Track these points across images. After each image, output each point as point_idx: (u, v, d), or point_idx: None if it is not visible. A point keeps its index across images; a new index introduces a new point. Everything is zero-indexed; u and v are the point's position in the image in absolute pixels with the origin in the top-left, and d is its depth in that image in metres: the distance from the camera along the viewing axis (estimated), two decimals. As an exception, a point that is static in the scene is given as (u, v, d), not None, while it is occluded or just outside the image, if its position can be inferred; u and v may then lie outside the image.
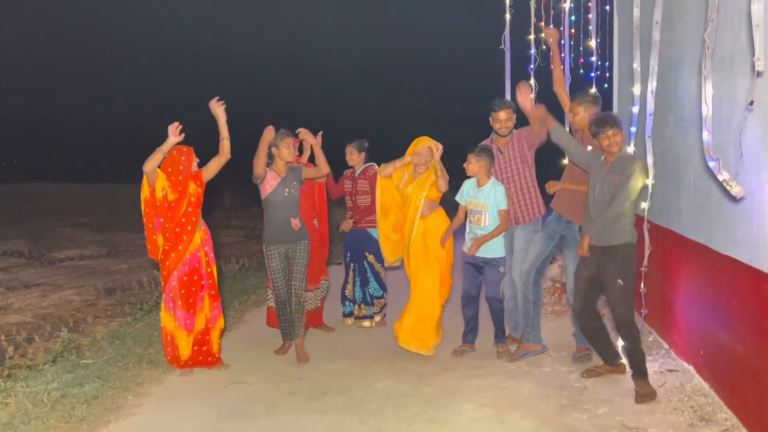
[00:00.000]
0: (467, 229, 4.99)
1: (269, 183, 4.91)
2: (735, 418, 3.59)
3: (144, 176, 4.58)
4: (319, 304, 5.75)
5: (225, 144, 4.73)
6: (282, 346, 5.14)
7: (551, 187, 4.80)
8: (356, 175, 5.82)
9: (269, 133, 4.85)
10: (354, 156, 5.81)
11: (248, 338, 5.57)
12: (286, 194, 4.94)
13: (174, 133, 4.55)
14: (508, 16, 6.01)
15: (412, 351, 4.97)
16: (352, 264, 5.86)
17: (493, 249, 4.87)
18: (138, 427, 3.82)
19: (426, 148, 5.10)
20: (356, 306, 5.88)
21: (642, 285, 4.33)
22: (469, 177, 4.96)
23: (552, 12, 6.49)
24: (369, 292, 5.84)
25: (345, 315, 5.96)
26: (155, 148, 4.53)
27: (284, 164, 4.97)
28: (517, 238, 4.97)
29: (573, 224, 4.71)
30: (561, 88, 5.04)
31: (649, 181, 4.18)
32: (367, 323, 5.86)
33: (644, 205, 4.29)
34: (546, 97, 5.22)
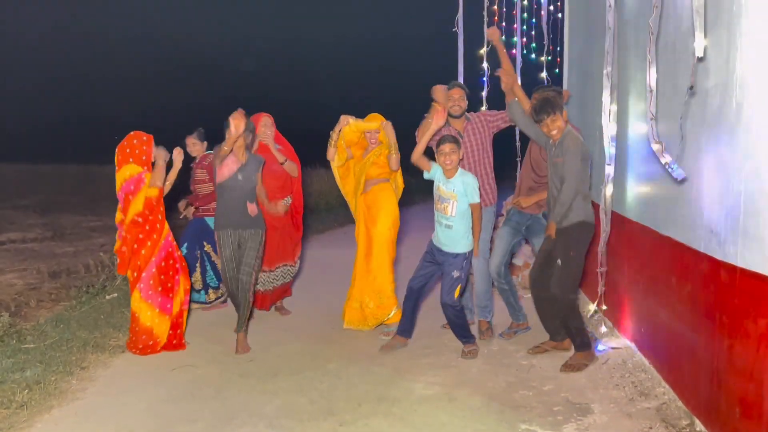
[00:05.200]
0: (435, 218, 4.64)
1: (227, 167, 4.69)
2: (672, 392, 3.74)
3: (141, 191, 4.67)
4: (277, 285, 5.61)
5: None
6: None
7: (524, 201, 4.79)
8: (193, 164, 5.82)
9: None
10: (197, 146, 5.78)
11: (197, 321, 5.49)
12: (240, 179, 4.72)
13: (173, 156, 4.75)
14: (461, -1, 6.03)
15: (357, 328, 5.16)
16: (198, 252, 5.79)
17: (459, 243, 4.54)
18: (82, 412, 3.73)
19: (372, 132, 5.13)
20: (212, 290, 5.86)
21: (600, 265, 4.46)
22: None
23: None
24: (207, 282, 5.84)
25: (194, 301, 5.73)
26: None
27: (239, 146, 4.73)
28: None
29: (536, 215, 4.79)
30: (515, 86, 4.79)
31: (607, 164, 4.31)
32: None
33: (609, 191, 4.38)
34: (497, 81, 5.23)
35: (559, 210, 4.19)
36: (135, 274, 4.68)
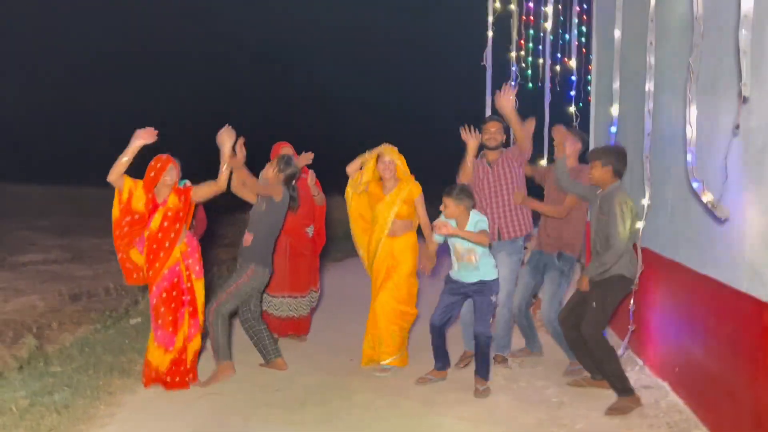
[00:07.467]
0: (455, 267, 4.61)
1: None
2: (710, 434, 3.66)
3: (115, 192, 4.37)
4: (306, 314, 5.64)
5: (224, 173, 4.49)
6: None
7: (517, 198, 4.92)
8: None
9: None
10: None
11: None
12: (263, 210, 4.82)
13: (143, 137, 4.31)
14: (490, 34, 6.10)
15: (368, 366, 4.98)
16: None
17: (486, 271, 4.51)
18: (110, 438, 3.71)
19: (390, 161, 4.97)
20: None
21: (632, 302, 4.41)
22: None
23: (532, 31, 6.63)
24: None
25: None
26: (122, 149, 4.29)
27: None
28: (501, 264, 4.91)
29: (551, 255, 4.91)
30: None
31: (645, 202, 4.30)
32: None
33: (639, 224, 4.33)
34: (524, 114, 5.24)
35: (598, 268, 4.18)
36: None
